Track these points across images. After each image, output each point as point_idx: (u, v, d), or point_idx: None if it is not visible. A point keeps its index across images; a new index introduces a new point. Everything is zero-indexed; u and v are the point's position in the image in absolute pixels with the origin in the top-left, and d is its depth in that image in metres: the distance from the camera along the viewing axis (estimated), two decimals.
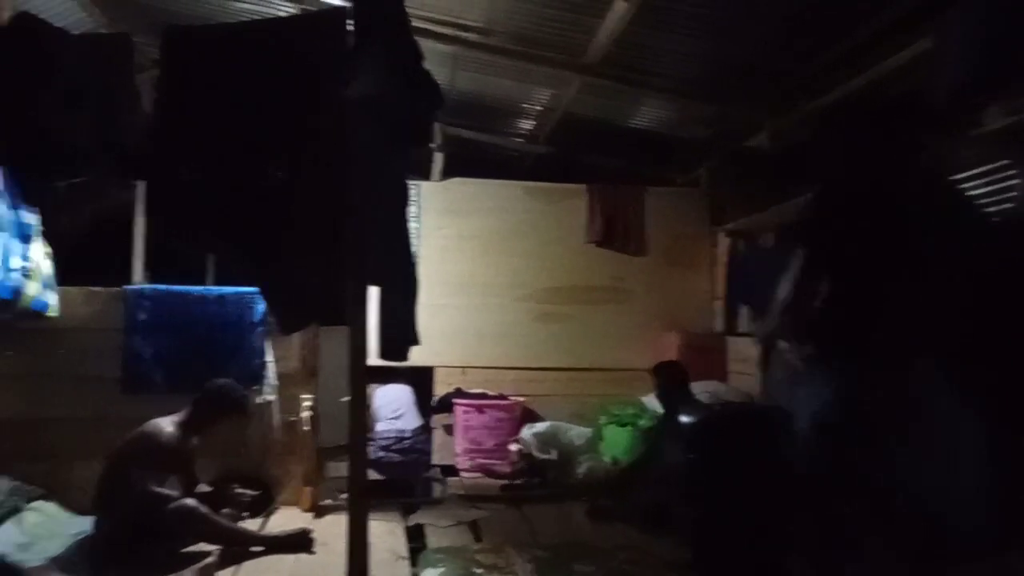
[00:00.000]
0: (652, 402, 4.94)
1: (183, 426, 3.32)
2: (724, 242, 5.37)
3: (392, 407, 5.19)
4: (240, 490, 3.64)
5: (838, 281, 2.38)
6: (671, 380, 4.22)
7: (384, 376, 5.22)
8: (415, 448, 5.01)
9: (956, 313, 2.23)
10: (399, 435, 4.99)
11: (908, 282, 2.23)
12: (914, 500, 2.24)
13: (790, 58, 4.07)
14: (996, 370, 2.30)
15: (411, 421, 5.13)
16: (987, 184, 2.91)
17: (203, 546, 3.22)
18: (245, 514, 3.63)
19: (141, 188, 4.80)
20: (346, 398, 2.10)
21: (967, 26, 2.74)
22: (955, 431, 2.25)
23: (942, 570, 2.21)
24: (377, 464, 4.77)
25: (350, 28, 2.17)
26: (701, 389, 4.35)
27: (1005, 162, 2.84)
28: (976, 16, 2.72)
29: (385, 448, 4.88)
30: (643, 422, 4.77)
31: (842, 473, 2.29)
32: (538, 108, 5.53)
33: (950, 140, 2.79)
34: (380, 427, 5.04)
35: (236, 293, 4.12)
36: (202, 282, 5.44)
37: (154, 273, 4.93)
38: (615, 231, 5.57)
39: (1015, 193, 2.61)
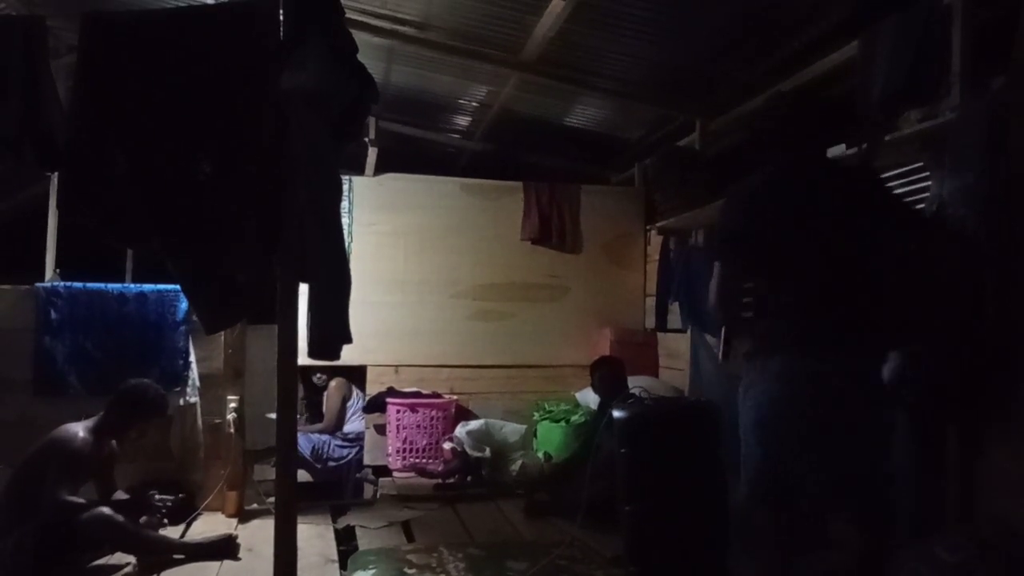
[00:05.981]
0: (585, 397, 4.99)
1: (97, 430, 3.15)
2: (656, 240, 5.46)
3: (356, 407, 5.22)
4: (160, 496, 3.49)
5: (764, 277, 2.42)
6: (610, 376, 4.26)
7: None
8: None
9: (885, 307, 2.31)
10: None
11: (836, 277, 2.30)
12: (846, 492, 2.31)
13: (727, 62, 4.15)
14: (924, 362, 2.40)
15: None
16: (904, 184, 3.05)
17: (121, 556, 3.09)
18: (165, 521, 3.49)
19: (54, 180, 4.57)
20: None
21: (890, 39, 2.86)
22: (883, 425, 2.34)
23: (878, 557, 2.29)
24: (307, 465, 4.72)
25: (283, 17, 2.10)
26: (633, 384, 4.40)
27: (919, 164, 2.97)
28: (898, 31, 2.84)
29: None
30: (576, 418, 4.81)
31: (779, 467, 2.33)
32: (474, 104, 5.50)
33: (873, 142, 2.91)
34: (348, 427, 5.14)
35: (157, 290, 3.97)
36: (120, 279, 5.21)
37: (69, 270, 4.69)
38: (550, 229, 5.57)
39: (928, 193, 2.73)
